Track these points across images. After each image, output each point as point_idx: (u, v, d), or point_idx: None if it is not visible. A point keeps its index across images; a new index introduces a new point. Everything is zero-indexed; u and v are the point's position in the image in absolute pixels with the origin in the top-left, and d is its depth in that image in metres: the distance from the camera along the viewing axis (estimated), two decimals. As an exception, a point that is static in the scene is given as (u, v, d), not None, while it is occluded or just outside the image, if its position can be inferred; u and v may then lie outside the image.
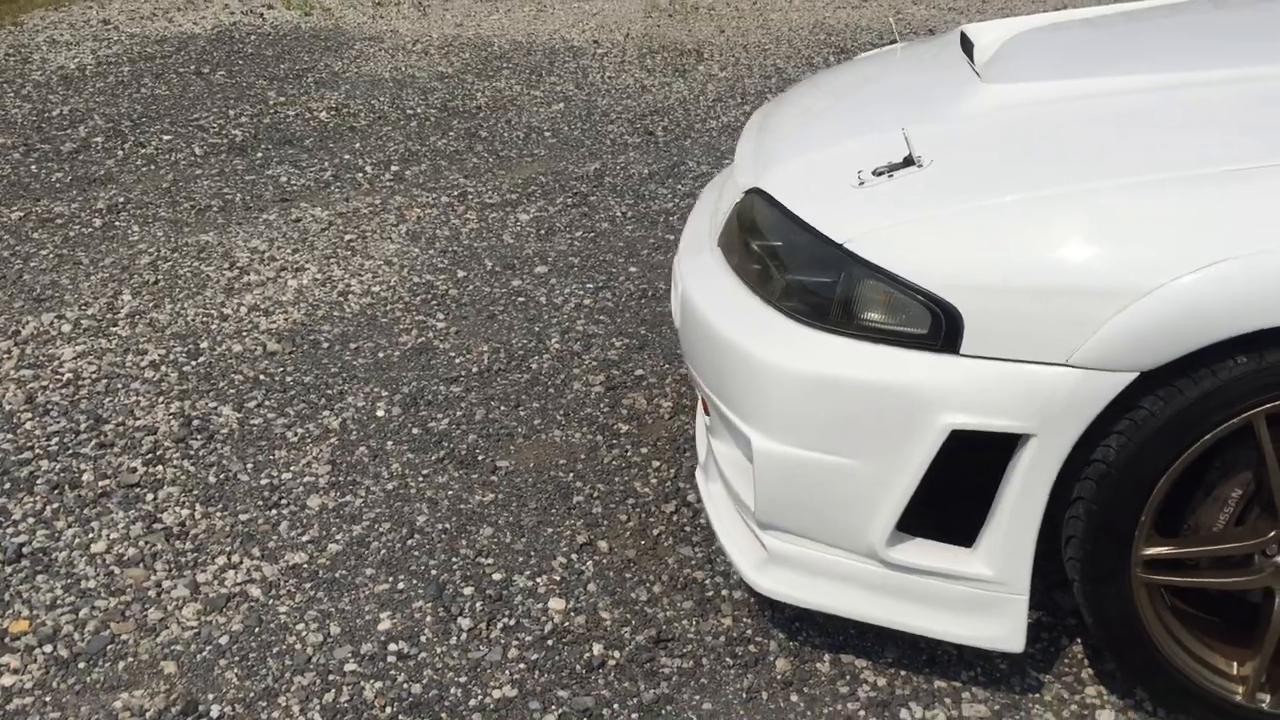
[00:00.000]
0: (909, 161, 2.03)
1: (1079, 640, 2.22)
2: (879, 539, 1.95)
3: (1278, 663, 1.91)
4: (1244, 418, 1.76)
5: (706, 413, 2.31)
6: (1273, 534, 1.84)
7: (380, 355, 3.39)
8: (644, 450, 2.88)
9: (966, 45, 2.61)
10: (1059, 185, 1.86)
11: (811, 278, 2.00)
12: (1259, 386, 1.74)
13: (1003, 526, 1.88)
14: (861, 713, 2.07)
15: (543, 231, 4.30)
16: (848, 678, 2.13)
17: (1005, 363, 1.81)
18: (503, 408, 3.09)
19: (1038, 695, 2.07)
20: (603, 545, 2.53)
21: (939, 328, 1.84)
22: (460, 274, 3.94)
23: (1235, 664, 1.94)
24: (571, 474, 2.79)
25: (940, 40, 2.79)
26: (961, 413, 1.83)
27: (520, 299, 3.75)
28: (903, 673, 2.14)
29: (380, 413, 3.09)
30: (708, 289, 2.20)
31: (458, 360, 3.35)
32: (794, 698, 2.11)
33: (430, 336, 3.50)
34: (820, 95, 2.62)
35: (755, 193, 2.23)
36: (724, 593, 2.37)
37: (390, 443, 2.95)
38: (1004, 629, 1.95)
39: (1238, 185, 1.75)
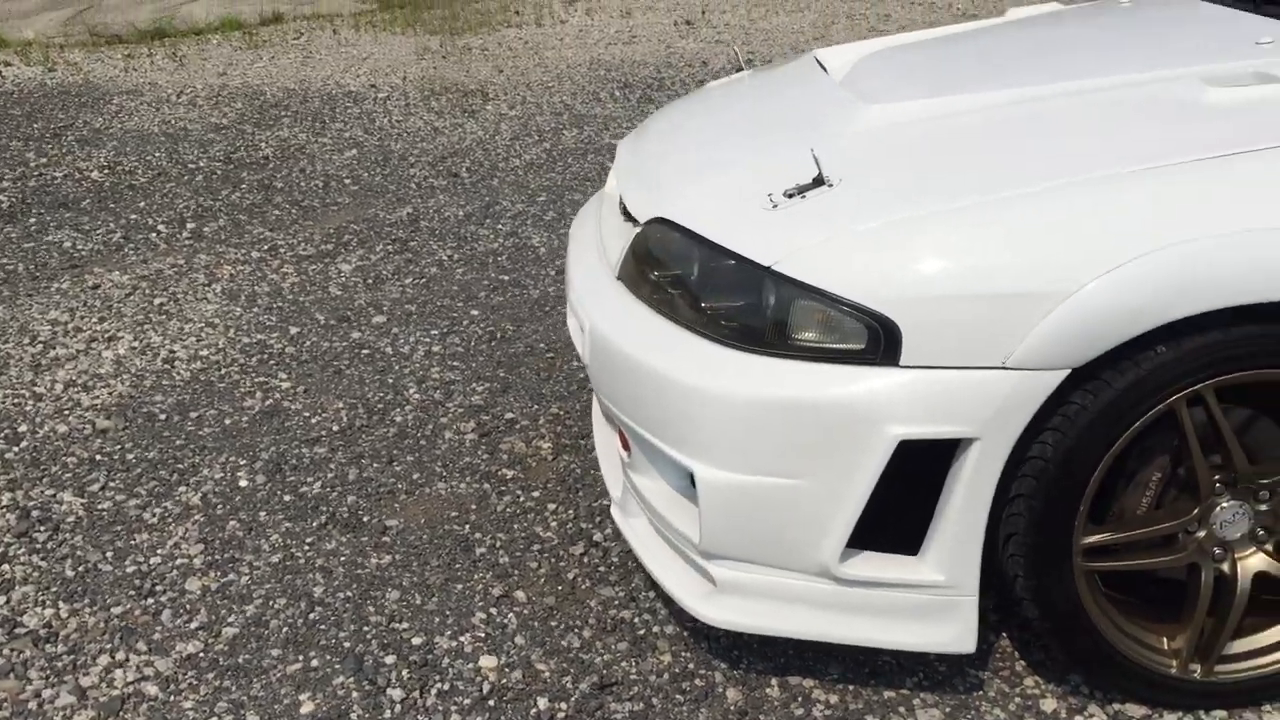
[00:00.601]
0: (819, 181, 2.07)
1: (1005, 635, 2.29)
2: (832, 556, 1.97)
3: (1205, 634, 2.02)
4: (1167, 404, 1.86)
5: (626, 449, 2.28)
6: (1195, 512, 1.96)
7: (227, 422, 3.20)
8: (535, 494, 2.82)
9: (822, 69, 2.69)
10: (972, 195, 1.93)
11: (740, 302, 2.00)
12: (1179, 374, 1.84)
13: (950, 530, 1.93)
14: (819, 732, 2.08)
15: (370, 281, 4.17)
16: (800, 699, 2.14)
17: (945, 370, 1.86)
18: (375, 465, 2.97)
19: (982, 693, 2.13)
20: (520, 595, 2.45)
21: (878, 341, 1.88)
22: (293, 330, 3.77)
23: (1166, 640, 2.05)
24: (467, 526, 2.70)
25: (794, 65, 2.86)
26: (908, 423, 1.87)
27: (364, 351, 3.62)
28: (851, 688, 2.16)
29: (243, 483, 2.92)
30: (625, 326, 2.17)
31: (314, 420, 3.20)
32: (749, 726, 2.10)
33: (278, 398, 3.33)
34: (695, 122, 2.64)
35: (660, 222, 2.22)
36: (656, 629, 2.34)
37: (263, 513, 2.78)
38: (956, 631, 1.99)
39: (1134, 187, 1.86)
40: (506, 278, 4.16)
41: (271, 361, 3.55)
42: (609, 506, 2.73)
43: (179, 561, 2.61)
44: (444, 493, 2.84)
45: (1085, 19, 2.81)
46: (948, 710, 2.09)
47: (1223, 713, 2.05)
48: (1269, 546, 2.00)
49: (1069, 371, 1.84)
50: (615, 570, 2.52)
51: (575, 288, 2.42)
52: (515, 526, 2.69)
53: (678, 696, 2.16)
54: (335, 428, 3.16)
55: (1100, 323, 1.80)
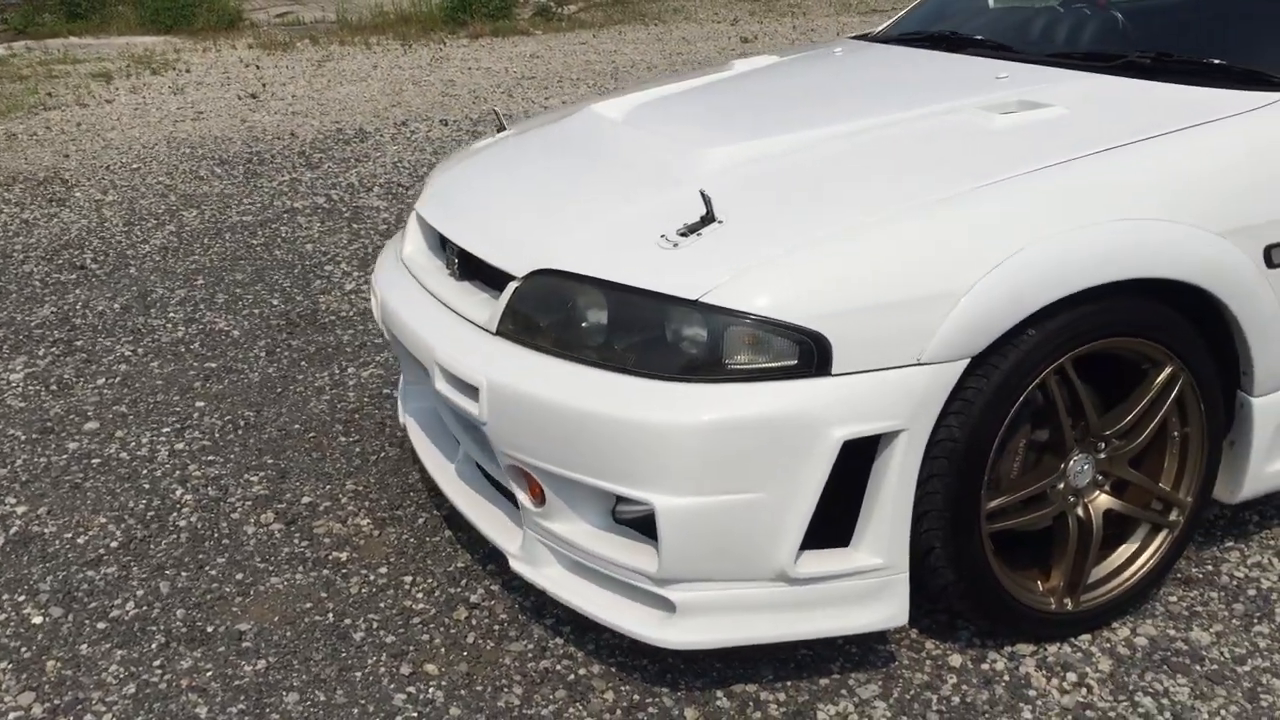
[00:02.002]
0: (708, 219, 2.22)
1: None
2: (788, 560, 2.12)
3: (1072, 571, 2.38)
4: (1040, 378, 2.20)
5: (538, 498, 2.30)
6: (1061, 468, 2.31)
7: (-26, 560, 2.82)
8: (382, 570, 2.73)
9: (601, 118, 2.86)
10: (856, 217, 2.17)
11: (668, 336, 2.11)
12: (1048, 351, 2.18)
13: (886, 515, 2.15)
14: (774, 729, 2.22)
15: (54, 387, 3.78)
16: (752, 704, 2.26)
17: (872, 373, 2.08)
18: (185, 574, 2.74)
19: (899, 663, 2.37)
20: (430, 668, 2.39)
21: (811, 355, 2.07)
22: (-4, 451, 3.35)
23: (1040, 582, 2.39)
24: (330, 614, 2.57)
25: (571, 119, 2.98)
26: (848, 424, 2.07)
27: (95, 460, 3.29)
28: (789, 683, 2.32)
29: (37, 619, 2.59)
30: (534, 376, 2.20)
31: (81, 541, 2.89)
32: (710, 739, 2.20)
33: (22, 525, 2.97)
34: (523, 175, 2.70)
35: (546, 274, 2.28)
36: (583, 671, 2.37)
37: (83, 647, 2.49)
38: (895, 607, 2.21)
39: (986, 199, 2.19)
40: (213, 365, 3.92)
41: (-11, 487, 3.14)
42: (482, 566, 2.72)
43: (14, 716, 2.28)
44: (282, 587, 2.68)
45: (829, 66, 3.19)
46: (880, 684, 2.31)
47: (1088, 635, 2.41)
48: (1107, 487, 2.39)
49: (969, 360, 2.12)
50: (511, 625, 2.51)
51: (439, 350, 2.40)
52: (382, 605, 2.60)
53: (640, 727, 2.22)
54: (113, 544, 2.87)
55: (990, 315, 2.10)
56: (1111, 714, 2.19)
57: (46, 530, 2.94)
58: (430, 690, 2.32)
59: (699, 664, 2.37)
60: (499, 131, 3.18)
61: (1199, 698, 2.23)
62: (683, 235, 2.22)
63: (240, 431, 3.44)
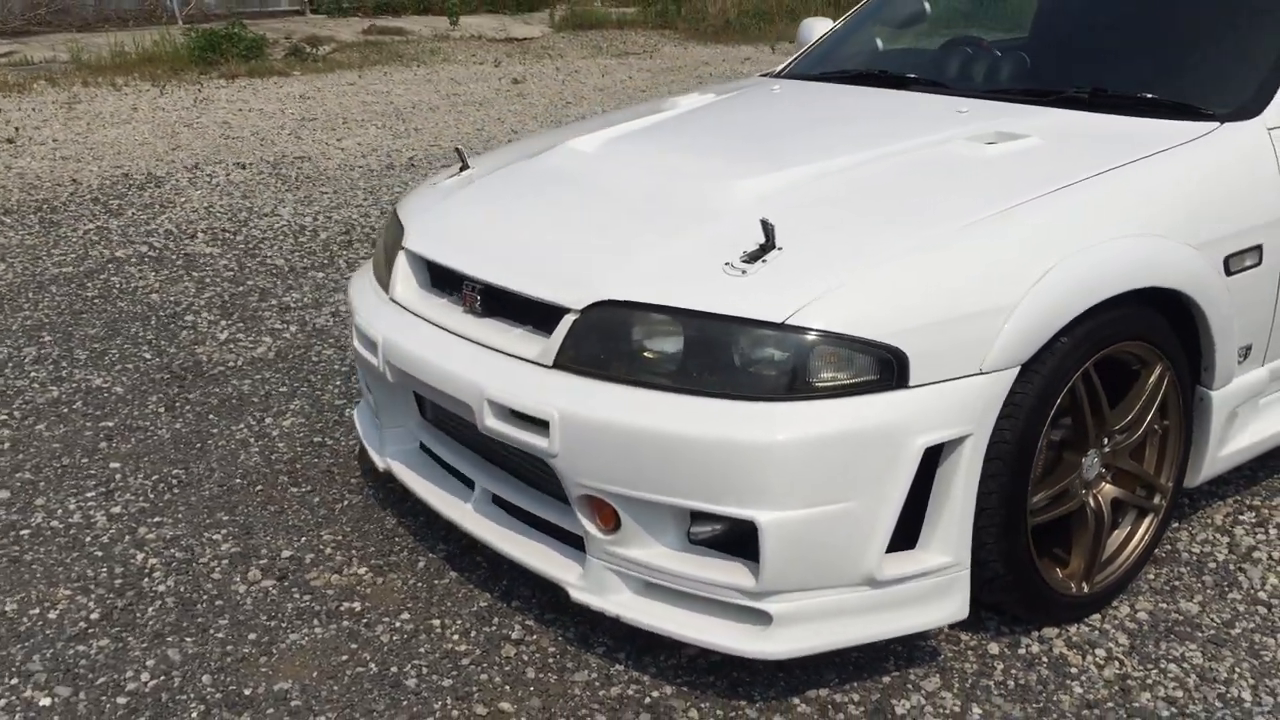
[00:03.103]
0: (769, 246, 2.33)
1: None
2: (876, 563, 2.25)
3: (1089, 556, 2.61)
4: (1071, 381, 2.42)
5: (610, 527, 2.33)
6: (1081, 463, 2.54)
7: (-66, 646, 2.56)
8: (405, 617, 2.66)
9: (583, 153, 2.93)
10: (912, 238, 2.34)
11: (755, 358, 2.21)
12: (1079, 356, 2.41)
13: (955, 515, 2.31)
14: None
15: (-65, 456, 3.45)
16: (831, 707, 2.36)
17: (945, 383, 2.25)
18: (191, 639, 2.58)
19: (945, 656, 2.52)
20: (505, 706, 2.36)
21: (891, 369, 2.21)
22: (-98, 528, 3.03)
23: (1061, 570, 2.60)
24: (372, 664, 2.49)
25: (552, 154, 3.02)
26: (928, 432, 2.22)
27: (25, 532, 3.04)
28: (856, 684, 2.43)
29: (44, 701, 2.39)
30: (613, 405, 2.25)
31: (53, 616, 2.67)
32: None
33: (-27, 603, 2.71)
34: (523, 213, 2.72)
35: (609, 305, 2.32)
36: (656, 694, 2.40)
37: (111, 724, 2.32)
38: (958, 603, 2.37)
39: (1015, 221, 2.40)
40: (110, 424, 3.67)
41: (-87, 567, 2.85)
42: (506, 603, 2.69)
43: (68, 804, 2.11)
44: (304, 642, 2.57)
45: (785, 102, 3.37)
46: (938, 676, 2.45)
47: (1097, 616, 2.65)
48: (1109, 478, 2.64)
49: (1019, 368, 2.32)
50: (565, 656, 2.51)
51: (490, 386, 2.40)
52: (422, 650, 2.54)
53: (739, 739, 2.28)
54: (93, 615, 2.67)
55: (1037, 325, 2.30)
56: (1149, 681, 2.43)
57: (6, 608, 2.69)
58: (516, 728, 2.30)
59: (764, 675, 2.45)
60: (462, 169, 3.16)
61: (1212, 659, 2.49)
62: (747, 262, 2.32)
63: (177, 490, 3.25)
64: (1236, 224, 2.68)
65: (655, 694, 2.40)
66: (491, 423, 2.42)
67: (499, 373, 2.43)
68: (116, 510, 3.13)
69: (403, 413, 2.98)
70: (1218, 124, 2.79)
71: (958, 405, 2.25)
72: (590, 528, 2.38)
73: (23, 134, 8.51)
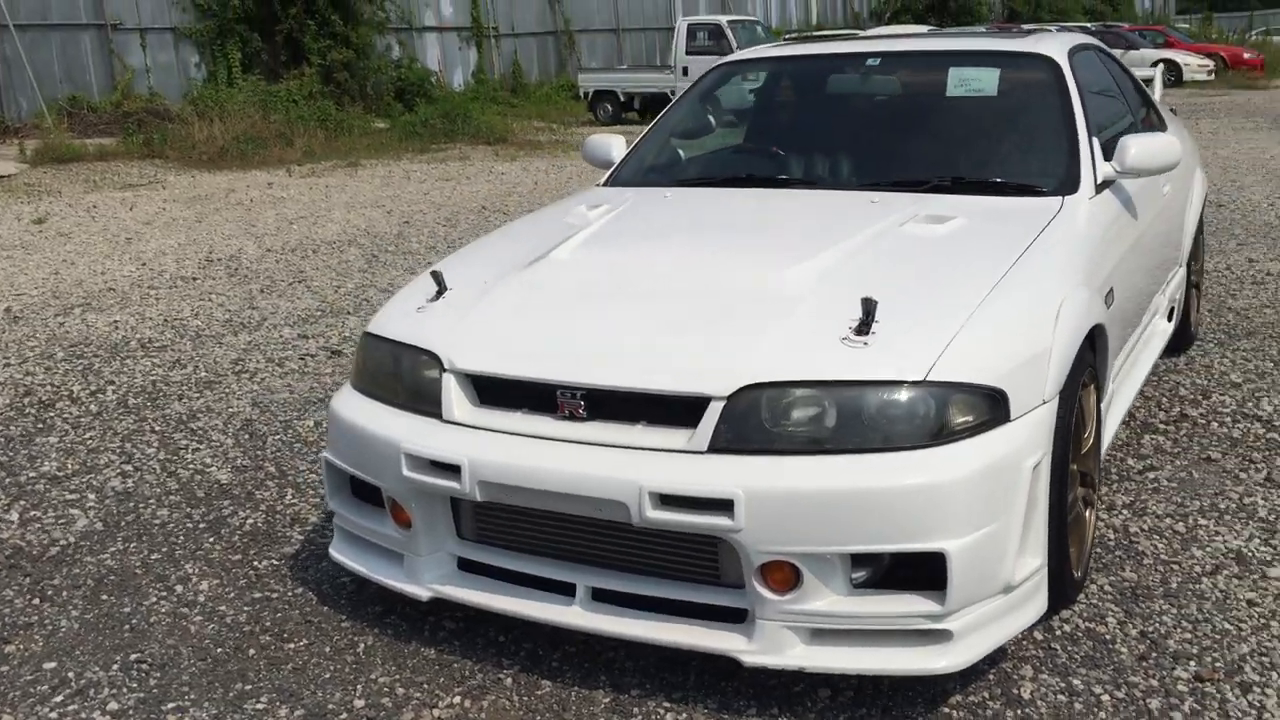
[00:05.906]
0: (870, 314, 2.67)
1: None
2: (1012, 571, 2.64)
3: (1082, 545, 3.14)
4: (1079, 401, 2.97)
5: (787, 588, 2.53)
6: (1074, 466, 3.08)
7: None
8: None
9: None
10: (971, 297, 2.79)
11: (902, 413, 2.55)
12: (1081, 380, 2.97)
13: (1040, 523, 2.75)
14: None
15: None
16: (934, 705, 2.69)
17: (1030, 413, 2.71)
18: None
19: (1018, 647, 2.93)
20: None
21: (999, 407, 2.64)
22: None
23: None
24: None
25: (559, 263, 3.16)
26: (1031, 455, 2.67)
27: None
28: (940, 689, 2.78)
29: None
30: (791, 476, 2.50)
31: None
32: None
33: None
34: (588, 319, 2.88)
35: (754, 388, 2.56)
36: (838, 735, 2.60)
37: None
38: (1043, 598, 2.80)
39: (1016, 283, 2.93)
40: (113, 588, 3.16)
41: None
42: (626, 693, 2.74)
43: None
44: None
45: (702, 206, 3.70)
46: (1010, 662, 2.85)
47: (1084, 593, 3.19)
48: (1079, 478, 3.21)
49: (1059, 395, 2.83)
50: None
51: (653, 480, 2.52)
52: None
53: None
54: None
55: (1065, 359, 2.85)
56: (1178, 626, 2.98)
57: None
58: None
59: (841, 689, 2.72)
60: (440, 290, 3.14)
61: (1197, 598, 3.11)
62: (860, 334, 2.64)
63: (159, 673, 2.90)
64: (1104, 270, 3.39)
65: (834, 736, 2.59)
66: (654, 514, 2.53)
67: (653, 466, 2.55)
68: (113, 707, 2.75)
69: (441, 536, 2.92)
70: (1060, 198, 3.51)
71: (1040, 430, 2.71)
72: (765, 592, 2.55)
73: None
